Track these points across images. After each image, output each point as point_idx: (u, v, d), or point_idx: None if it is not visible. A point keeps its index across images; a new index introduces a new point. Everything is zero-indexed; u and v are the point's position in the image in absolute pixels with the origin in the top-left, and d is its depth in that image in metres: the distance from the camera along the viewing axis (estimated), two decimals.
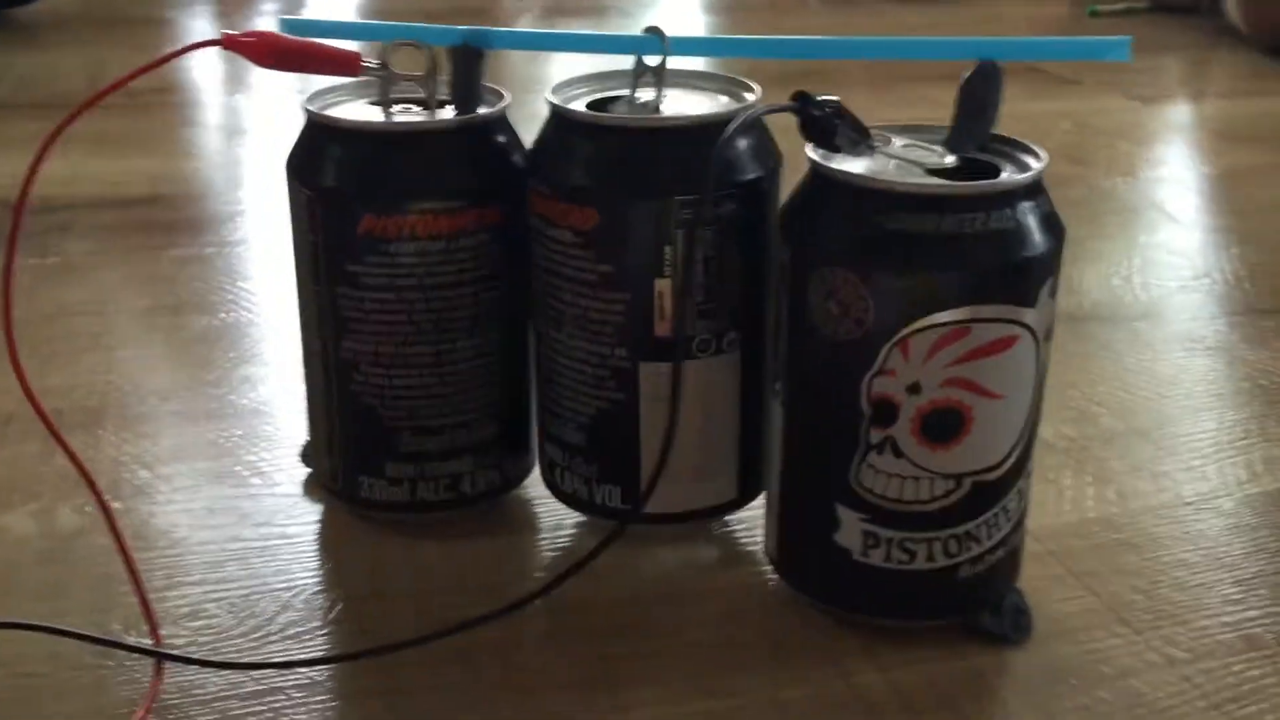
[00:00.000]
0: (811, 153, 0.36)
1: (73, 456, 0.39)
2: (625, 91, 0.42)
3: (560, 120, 0.40)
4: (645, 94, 0.41)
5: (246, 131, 0.95)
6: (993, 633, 0.38)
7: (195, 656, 0.38)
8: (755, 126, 0.40)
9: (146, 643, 0.38)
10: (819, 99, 0.36)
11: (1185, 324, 0.62)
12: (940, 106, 0.38)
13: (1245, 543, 0.44)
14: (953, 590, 0.38)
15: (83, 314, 0.62)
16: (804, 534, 0.39)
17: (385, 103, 0.42)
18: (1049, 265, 0.35)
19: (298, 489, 0.47)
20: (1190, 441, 0.51)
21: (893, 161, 0.36)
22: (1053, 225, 0.35)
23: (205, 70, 1.11)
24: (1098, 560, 0.43)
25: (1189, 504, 0.46)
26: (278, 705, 0.36)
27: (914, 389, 0.35)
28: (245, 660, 0.38)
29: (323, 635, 0.39)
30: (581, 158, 0.39)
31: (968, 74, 0.36)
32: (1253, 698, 0.36)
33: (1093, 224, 0.74)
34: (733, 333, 0.40)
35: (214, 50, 0.38)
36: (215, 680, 0.37)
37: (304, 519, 0.45)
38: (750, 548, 0.44)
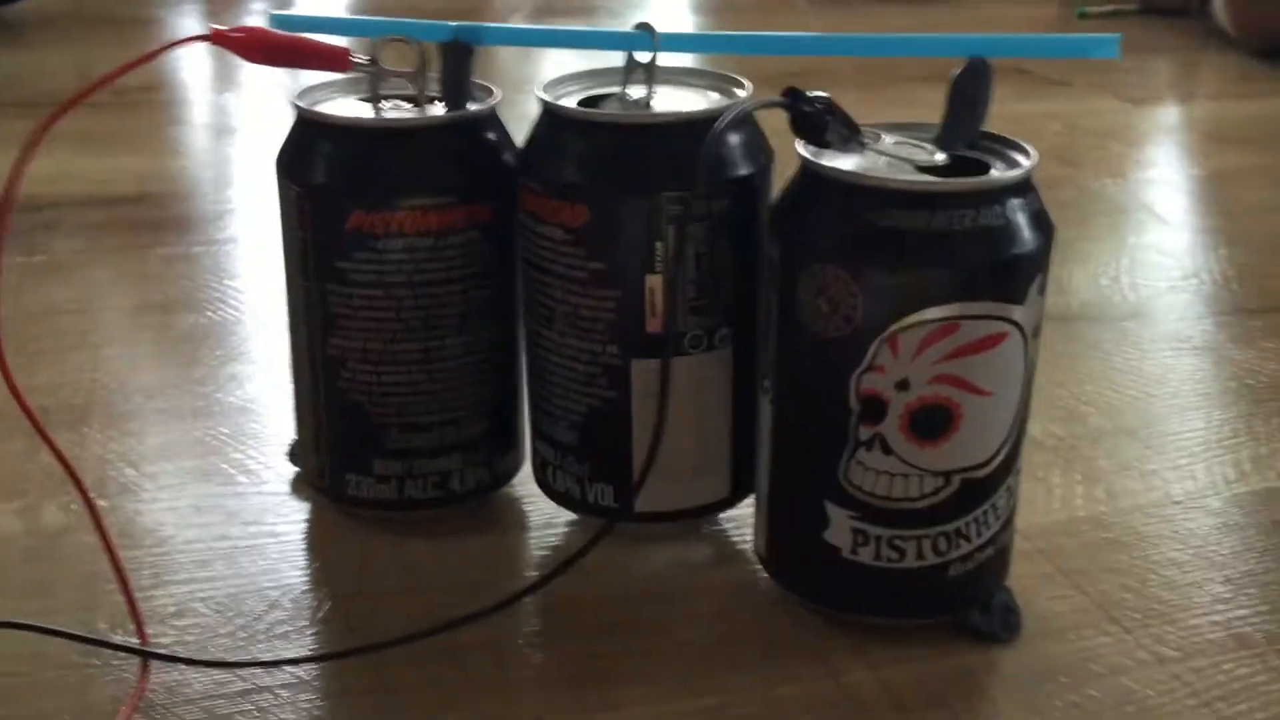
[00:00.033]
0: (802, 149, 0.36)
1: (58, 454, 0.39)
2: (616, 89, 0.41)
3: (551, 117, 0.40)
4: (636, 91, 0.41)
5: (235, 130, 0.95)
6: (982, 631, 0.38)
7: (182, 655, 0.38)
8: (746, 122, 0.40)
9: (133, 641, 0.38)
10: (810, 95, 0.36)
11: (1173, 324, 0.62)
12: (930, 107, 0.38)
13: (1234, 541, 0.44)
14: (942, 588, 0.38)
15: (69, 312, 0.62)
16: (793, 532, 0.39)
17: (375, 99, 0.41)
18: (1038, 262, 0.35)
19: (285, 487, 0.47)
20: (1178, 440, 0.51)
21: (883, 159, 0.36)
22: (1042, 223, 0.35)
23: (194, 69, 1.10)
24: (1087, 559, 0.43)
25: (1178, 503, 0.46)
26: (264, 704, 0.36)
27: (903, 386, 0.35)
28: (232, 659, 0.38)
29: (310, 634, 0.39)
30: (572, 154, 0.39)
31: (957, 71, 0.36)
32: (1242, 696, 0.37)
33: (1082, 224, 0.74)
34: (725, 329, 0.40)
35: (203, 48, 0.38)
36: (202, 679, 0.37)
37: (291, 517, 0.45)
38: (741, 546, 0.43)
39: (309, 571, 0.42)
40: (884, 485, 0.36)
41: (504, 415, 0.44)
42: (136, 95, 0.99)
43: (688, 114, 0.39)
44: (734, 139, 0.39)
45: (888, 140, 0.37)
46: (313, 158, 0.40)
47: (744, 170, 0.39)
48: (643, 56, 0.40)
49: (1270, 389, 0.55)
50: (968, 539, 0.37)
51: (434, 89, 0.41)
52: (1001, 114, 0.36)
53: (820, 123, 0.36)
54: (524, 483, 0.46)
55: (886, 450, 0.36)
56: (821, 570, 0.38)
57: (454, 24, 0.40)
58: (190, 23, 1.31)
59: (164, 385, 0.54)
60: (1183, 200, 0.81)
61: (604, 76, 0.42)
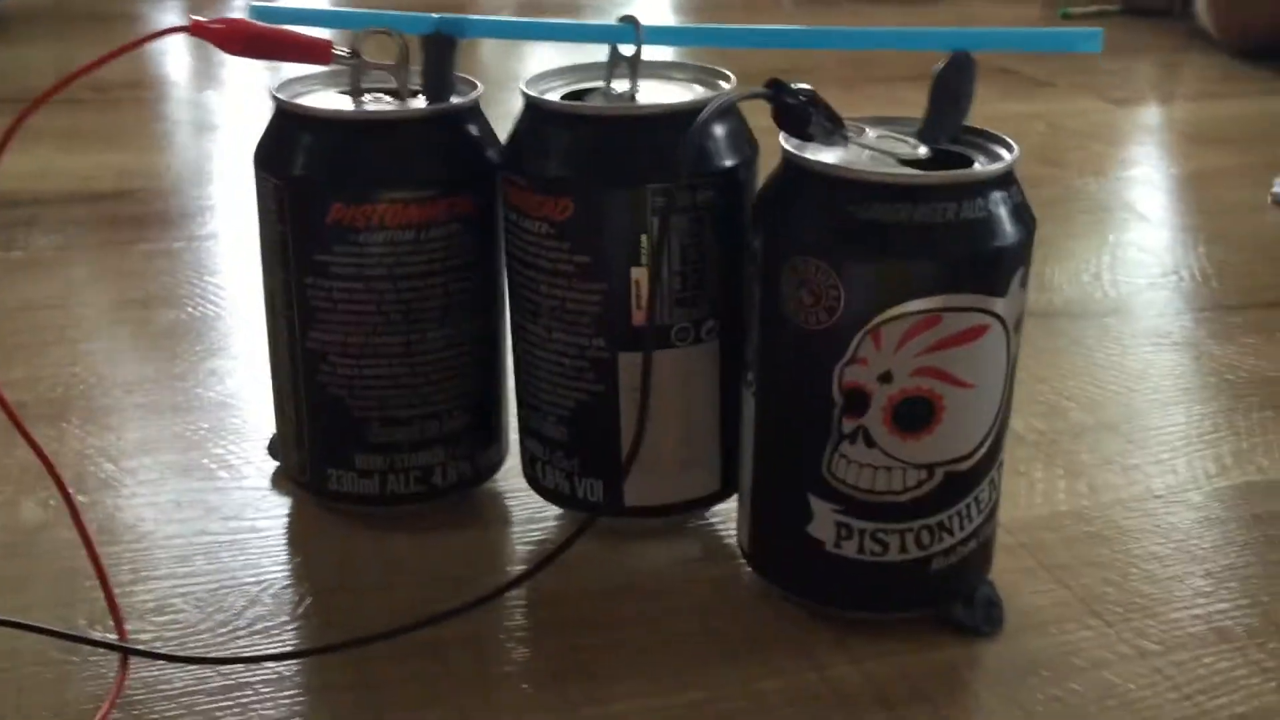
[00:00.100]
0: (785, 142, 0.36)
1: (37, 449, 0.39)
2: (600, 83, 0.41)
3: (535, 111, 0.40)
4: (620, 84, 0.41)
5: (217, 127, 0.95)
6: (965, 625, 0.38)
7: (162, 651, 0.37)
8: (731, 114, 0.40)
9: (112, 637, 0.38)
10: (793, 87, 0.36)
11: (1154, 320, 0.62)
12: (913, 106, 0.38)
13: (1215, 535, 0.44)
14: (925, 582, 0.38)
15: (48, 308, 0.61)
16: (777, 526, 0.39)
17: (356, 92, 0.41)
18: (1020, 255, 0.35)
19: (266, 482, 0.47)
20: (1159, 435, 0.51)
21: (866, 152, 0.36)
22: (1024, 216, 0.35)
23: (175, 65, 1.10)
24: (1069, 553, 0.43)
25: (1159, 497, 0.46)
26: (245, 700, 0.36)
27: (885, 378, 0.35)
28: (213, 655, 0.37)
29: (291, 630, 0.39)
30: (556, 148, 0.39)
31: (940, 65, 0.36)
32: (1223, 689, 0.37)
33: (1064, 222, 0.75)
34: (712, 321, 0.40)
35: (185, 45, 0.38)
36: (182, 675, 0.37)
37: (272, 512, 0.45)
38: (726, 541, 0.43)
39: (290, 567, 0.42)
40: (867, 478, 0.36)
41: (486, 409, 0.44)
42: (118, 92, 0.99)
43: (671, 106, 0.39)
44: (719, 131, 0.39)
45: (870, 134, 0.37)
46: (293, 150, 0.40)
47: (729, 162, 0.39)
48: (627, 50, 0.40)
49: (1250, 384, 0.55)
50: (951, 532, 0.37)
51: (416, 82, 0.41)
52: (986, 114, 0.36)
53: (803, 115, 0.36)
54: (506, 477, 0.46)
55: (869, 443, 0.36)
56: (805, 564, 0.38)
57: (436, 16, 0.40)
58: (172, 18, 1.31)
59: (144, 380, 0.54)
60: (1163, 199, 0.82)
61: (587, 71, 0.42)
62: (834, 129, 0.36)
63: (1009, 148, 0.36)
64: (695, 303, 0.40)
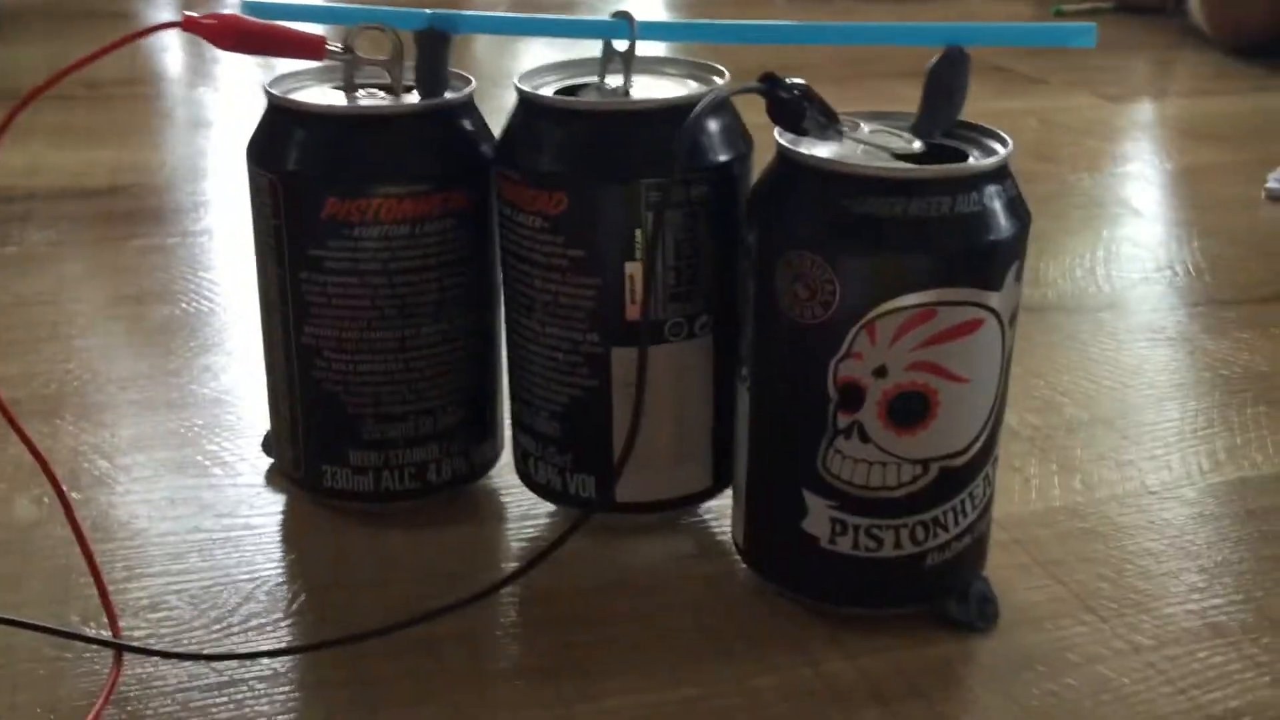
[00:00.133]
0: (779, 137, 0.36)
1: (30, 446, 0.39)
2: (593, 78, 0.41)
3: (529, 106, 0.40)
4: (614, 79, 0.41)
5: (210, 123, 0.94)
6: (959, 621, 0.38)
7: (156, 648, 0.37)
8: (726, 109, 0.40)
9: (106, 634, 0.38)
10: (787, 81, 0.36)
11: (1148, 315, 0.62)
12: (907, 103, 0.38)
13: (1209, 531, 0.44)
14: (920, 578, 0.38)
15: (41, 304, 0.61)
16: (771, 522, 0.39)
17: (350, 87, 0.41)
18: (1014, 249, 0.35)
19: (260, 479, 0.46)
20: (1154, 430, 0.51)
21: (860, 146, 0.36)
22: (1018, 210, 0.35)
23: (169, 62, 1.10)
24: (1063, 549, 0.43)
25: (1153, 492, 0.47)
26: (239, 697, 0.36)
27: (880, 373, 0.35)
28: (207, 652, 0.37)
29: (286, 626, 0.39)
30: (550, 143, 0.39)
31: (934, 60, 0.36)
32: (1217, 684, 0.37)
33: (1059, 218, 0.75)
34: (706, 316, 0.40)
35: (178, 42, 0.38)
36: (176, 672, 0.36)
37: (266, 509, 0.45)
38: (720, 537, 0.43)
39: (284, 564, 0.42)
40: (862, 474, 0.36)
41: (481, 405, 0.44)
42: (111, 88, 0.99)
43: (666, 101, 0.39)
44: (713, 126, 0.39)
45: (865, 128, 0.37)
46: (287, 145, 0.40)
47: (723, 157, 0.39)
48: (620, 45, 0.40)
49: (1244, 379, 0.55)
50: (945, 528, 0.37)
51: (410, 77, 0.41)
52: (980, 111, 0.36)
53: (797, 109, 0.36)
54: (501, 474, 0.46)
55: (864, 438, 0.36)
56: (800, 560, 0.38)
57: (429, 11, 0.40)
58: (166, 15, 1.30)
59: (138, 377, 0.54)
60: (1157, 194, 0.82)
61: (581, 66, 0.42)
62: (828, 123, 0.36)
63: (1003, 142, 0.36)
64: (689, 298, 0.40)
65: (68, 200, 0.76)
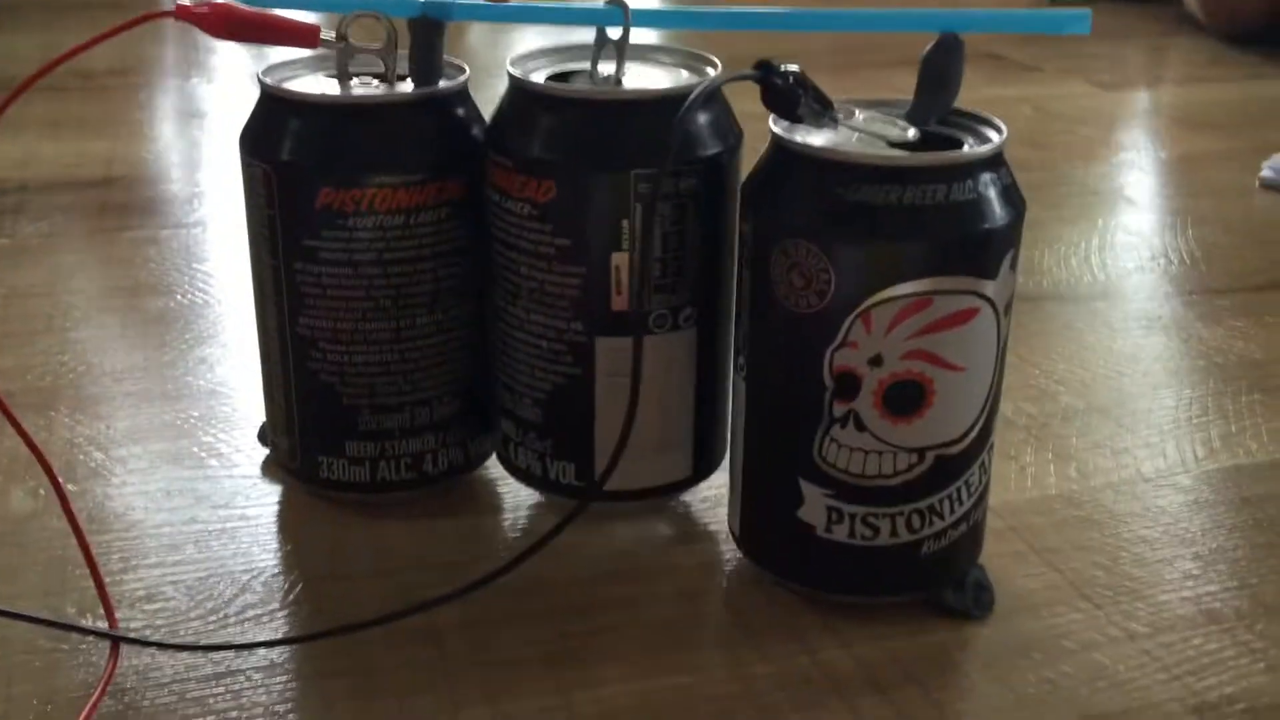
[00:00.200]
0: (774, 125, 0.36)
1: (26, 438, 0.39)
2: (585, 65, 0.41)
3: (520, 92, 0.40)
4: (606, 67, 0.41)
5: (205, 114, 0.94)
6: (956, 608, 0.39)
7: (153, 639, 0.37)
8: (716, 101, 0.40)
9: (102, 626, 0.38)
10: (782, 69, 0.36)
11: (1143, 303, 0.62)
12: (902, 92, 0.38)
13: (1204, 518, 0.44)
14: (916, 566, 0.38)
15: (35, 296, 0.61)
16: (767, 510, 0.39)
17: (343, 76, 0.41)
18: (1009, 237, 0.35)
19: (256, 470, 0.46)
20: (1149, 418, 0.51)
21: (855, 134, 0.36)
22: (1013, 198, 0.35)
23: (163, 53, 1.09)
24: (1059, 536, 0.43)
25: (1148, 480, 0.47)
26: (237, 687, 0.36)
27: (876, 361, 0.35)
28: (204, 643, 0.37)
29: (282, 617, 0.39)
30: (541, 130, 0.39)
31: (929, 47, 0.36)
32: (1211, 670, 0.37)
33: (1053, 206, 0.75)
34: (690, 308, 0.40)
35: (170, 31, 0.38)
36: (173, 663, 0.36)
37: (262, 500, 0.45)
38: (710, 525, 0.43)
39: (280, 554, 0.42)
40: (858, 462, 0.36)
41: (477, 395, 0.44)
42: (105, 80, 0.98)
43: (658, 91, 0.39)
44: (703, 118, 0.39)
45: (859, 116, 0.37)
46: (281, 135, 0.40)
47: (713, 149, 0.39)
48: (614, 32, 0.40)
49: (1238, 367, 0.55)
50: (941, 516, 0.37)
51: (403, 66, 0.41)
52: (974, 99, 0.36)
53: (792, 97, 0.36)
54: (498, 464, 0.46)
55: (860, 427, 0.36)
56: (796, 548, 0.38)
57: (423, 0, 0.40)
58: (159, 5, 1.30)
59: (133, 368, 0.54)
60: (1152, 183, 0.82)
61: (573, 52, 0.42)
62: (823, 111, 0.36)
63: (998, 129, 0.36)
64: (674, 290, 0.40)
65: (61, 191, 0.75)
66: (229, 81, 1.01)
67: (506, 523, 0.44)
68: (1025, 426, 0.50)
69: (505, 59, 0.40)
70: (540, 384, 0.41)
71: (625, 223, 0.38)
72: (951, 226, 0.34)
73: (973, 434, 0.37)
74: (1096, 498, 0.45)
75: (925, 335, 0.35)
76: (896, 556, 0.37)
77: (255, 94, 0.41)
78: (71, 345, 0.56)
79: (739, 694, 0.36)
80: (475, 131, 0.41)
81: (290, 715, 0.35)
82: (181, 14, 0.38)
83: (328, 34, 0.40)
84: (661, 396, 0.41)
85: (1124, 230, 0.72)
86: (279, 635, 0.38)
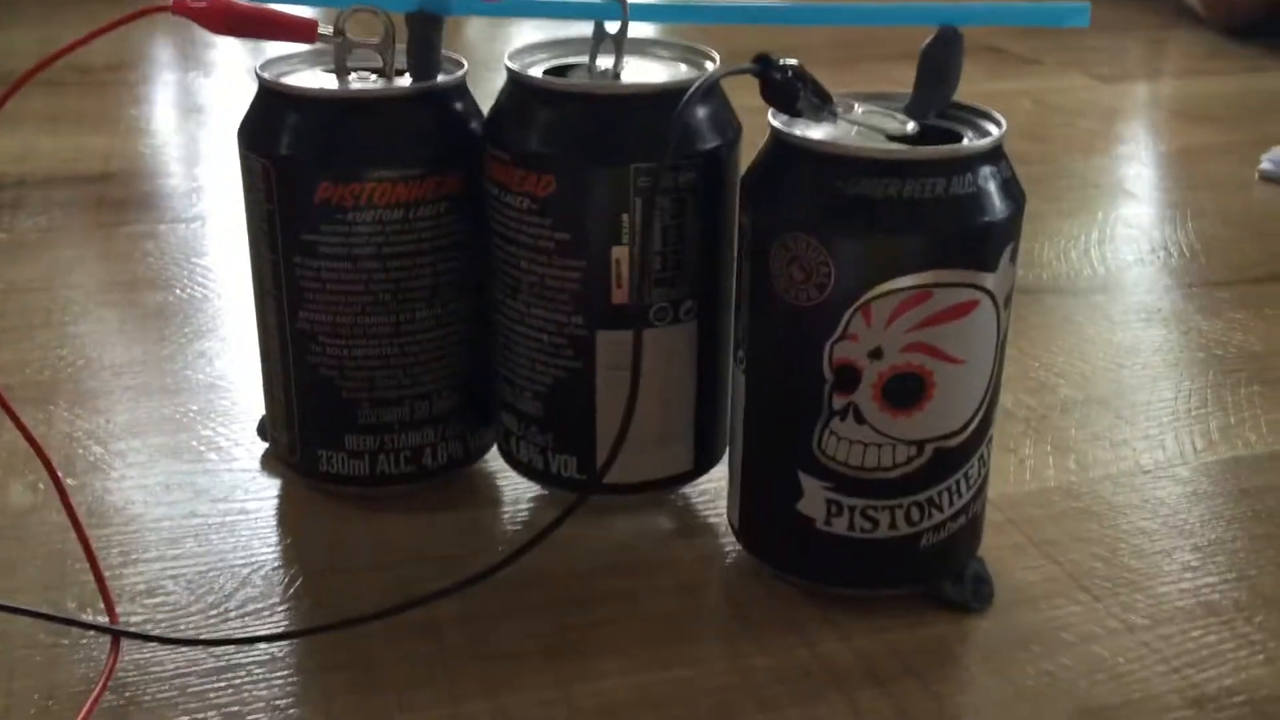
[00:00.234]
0: (773, 119, 0.36)
1: (25, 432, 0.39)
2: (584, 59, 0.41)
3: (518, 86, 0.40)
4: (605, 61, 0.41)
5: (203, 109, 0.94)
6: (955, 601, 0.39)
7: (153, 634, 0.37)
8: (715, 95, 0.40)
9: (102, 620, 0.38)
10: (781, 63, 0.36)
11: (1142, 296, 0.62)
12: (902, 85, 0.38)
13: (1202, 510, 0.44)
14: (915, 559, 0.38)
15: (34, 290, 0.61)
16: (767, 503, 0.39)
17: (341, 70, 0.41)
18: (1009, 230, 0.35)
19: (255, 464, 0.46)
20: (1148, 410, 0.51)
21: (854, 127, 0.36)
22: (1013, 191, 0.35)
23: (160, 46, 1.09)
24: (1058, 529, 0.43)
25: (1147, 472, 0.47)
26: (238, 681, 0.36)
27: (876, 354, 0.35)
28: (204, 637, 0.37)
29: (283, 611, 0.39)
30: (540, 124, 0.39)
31: (928, 41, 0.36)
32: (1210, 662, 0.37)
33: (1053, 199, 0.75)
34: (690, 301, 0.40)
35: (168, 26, 0.38)
36: (174, 657, 0.36)
37: (262, 494, 0.45)
38: (710, 519, 0.43)
39: (280, 548, 0.42)
40: (857, 455, 0.36)
41: (476, 389, 0.44)
42: (103, 75, 0.98)
43: (659, 85, 0.39)
44: (702, 111, 0.39)
45: (859, 109, 0.37)
46: (279, 130, 0.40)
47: (712, 143, 0.39)
48: (612, 26, 0.40)
49: (1238, 359, 0.55)
50: (940, 509, 0.37)
51: (401, 60, 0.41)
52: (974, 92, 0.36)
53: (791, 90, 0.36)
54: (497, 457, 0.46)
55: (860, 420, 0.36)
56: (795, 541, 0.38)
57: None
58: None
59: (132, 362, 0.54)
60: (1151, 175, 0.82)
61: (571, 46, 0.42)
62: (822, 104, 0.36)
63: (997, 123, 0.36)
64: (674, 283, 0.40)
65: (59, 186, 0.75)
66: (227, 76, 1.01)
67: (506, 516, 0.44)
68: (1024, 419, 0.50)
69: (503, 53, 0.40)
70: (541, 378, 0.41)
71: (625, 216, 0.38)
72: (951, 220, 0.34)
73: (972, 427, 0.37)
74: (1095, 490, 0.45)
75: (925, 328, 0.35)
76: (896, 549, 0.37)
77: (253, 89, 0.41)
78: (70, 340, 0.56)
79: (738, 686, 0.36)
80: (474, 126, 0.41)
81: (291, 709, 0.35)
82: (179, 9, 0.38)
83: (325, 29, 0.40)
84: (662, 389, 0.41)
85: (1123, 223, 0.72)
86: (279, 629, 0.38)
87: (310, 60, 0.42)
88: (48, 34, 1.11)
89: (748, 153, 0.38)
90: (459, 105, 0.41)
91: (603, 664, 0.36)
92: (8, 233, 0.68)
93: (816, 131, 0.36)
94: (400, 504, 0.44)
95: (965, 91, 0.37)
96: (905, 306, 0.34)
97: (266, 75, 0.41)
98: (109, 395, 0.51)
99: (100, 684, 0.35)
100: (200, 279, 0.62)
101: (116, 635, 0.37)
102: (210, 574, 0.40)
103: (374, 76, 0.41)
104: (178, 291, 0.61)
